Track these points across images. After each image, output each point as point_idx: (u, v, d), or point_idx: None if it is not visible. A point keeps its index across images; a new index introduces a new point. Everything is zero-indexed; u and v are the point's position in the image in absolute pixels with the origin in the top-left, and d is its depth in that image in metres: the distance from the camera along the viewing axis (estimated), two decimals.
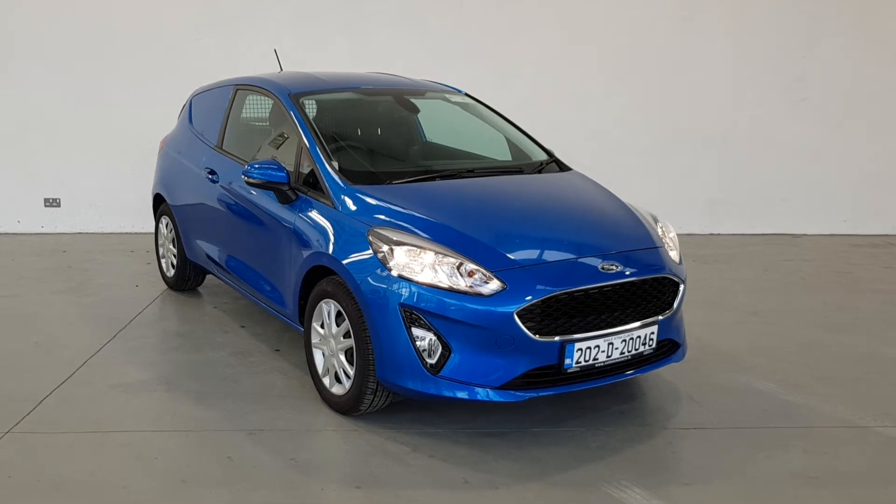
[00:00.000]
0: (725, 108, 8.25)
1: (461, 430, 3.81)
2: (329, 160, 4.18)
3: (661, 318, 3.84)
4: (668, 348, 3.99)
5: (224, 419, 3.89)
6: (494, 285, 3.48)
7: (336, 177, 4.09)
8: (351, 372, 3.80)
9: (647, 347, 3.81)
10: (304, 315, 4.13)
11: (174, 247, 5.83)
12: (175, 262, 5.83)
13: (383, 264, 3.60)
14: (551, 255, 3.70)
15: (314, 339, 4.08)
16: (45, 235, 7.87)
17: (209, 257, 5.23)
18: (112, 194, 7.92)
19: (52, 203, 7.91)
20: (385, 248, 3.63)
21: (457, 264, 3.54)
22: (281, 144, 4.78)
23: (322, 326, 4.01)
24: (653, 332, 3.80)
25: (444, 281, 3.51)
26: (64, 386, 4.24)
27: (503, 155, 4.98)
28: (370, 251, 3.67)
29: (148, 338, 5.05)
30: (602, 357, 3.64)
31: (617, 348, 3.67)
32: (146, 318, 5.38)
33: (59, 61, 7.65)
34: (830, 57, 8.16)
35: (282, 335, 5.05)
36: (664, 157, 8.30)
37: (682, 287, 3.96)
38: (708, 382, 4.41)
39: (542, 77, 8.01)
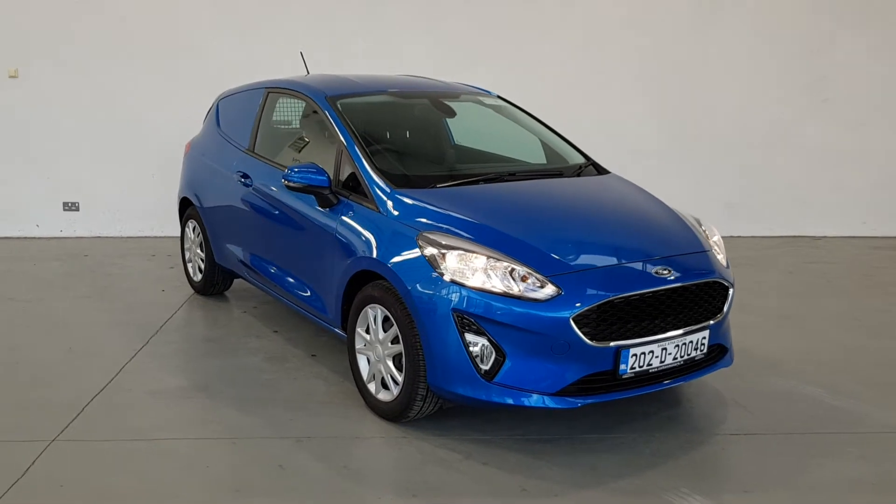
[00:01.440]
0: (746, 109, 8.23)
1: (510, 437, 3.76)
2: (372, 164, 4.14)
3: (711, 322, 3.80)
4: (717, 353, 3.95)
5: (269, 426, 3.84)
6: (549, 290, 3.44)
7: (380, 180, 4.04)
8: (399, 378, 3.75)
9: (698, 353, 3.77)
10: (348, 320, 4.08)
11: (202, 251, 5.77)
12: (203, 266, 5.78)
13: (435, 269, 3.55)
14: (604, 260, 3.66)
15: (358, 345, 4.04)
16: (65, 240, 7.82)
17: (241, 261, 5.18)
18: (131, 198, 7.86)
19: (70, 207, 7.85)
20: (436, 252, 3.58)
21: (509, 269, 3.50)
22: (318, 148, 4.74)
23: (367, 332, 3.96)
24: (704, 338, 3.76)
25: (497, 286, 3.46)
26: (104, 393, 4.18)
27: (538, 158, 4.94)
28: (420, 256, 3.62)
29: (180, 343, 4.99)
30: (656, 363, 3.60)
31: (670, 354, 3.63)
32: (176, 324, 5.33)
33: (77, 64, 7.60)
34: (851, 57, 8.14)
35: (316, 340, 5.00)
36: (684, 159, 8.28)
37: (731, 291, 3.92)
38: (752, 387, 4.37)
39: (561, 78, 7.97)
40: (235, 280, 5.84)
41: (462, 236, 3.65)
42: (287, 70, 6.65)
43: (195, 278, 5.96)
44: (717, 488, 3.34)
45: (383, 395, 3.89)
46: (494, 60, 7.84)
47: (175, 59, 7.66)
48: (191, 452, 3.57)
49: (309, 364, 4.63)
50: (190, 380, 4.38)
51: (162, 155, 7.74)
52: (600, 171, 4.72)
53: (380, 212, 3.95)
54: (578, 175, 4.60)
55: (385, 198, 3.97)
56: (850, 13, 8.10)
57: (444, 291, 3.51)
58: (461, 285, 3.49)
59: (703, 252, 3.93)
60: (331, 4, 7.73)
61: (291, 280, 4.63)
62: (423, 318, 3.55)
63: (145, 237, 7.88)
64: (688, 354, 3.71)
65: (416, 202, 3.91)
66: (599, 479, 3.40)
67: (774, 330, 5.39)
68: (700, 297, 3.75)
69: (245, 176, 5.02)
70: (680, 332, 3.65)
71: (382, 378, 3.89)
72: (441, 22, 7.84)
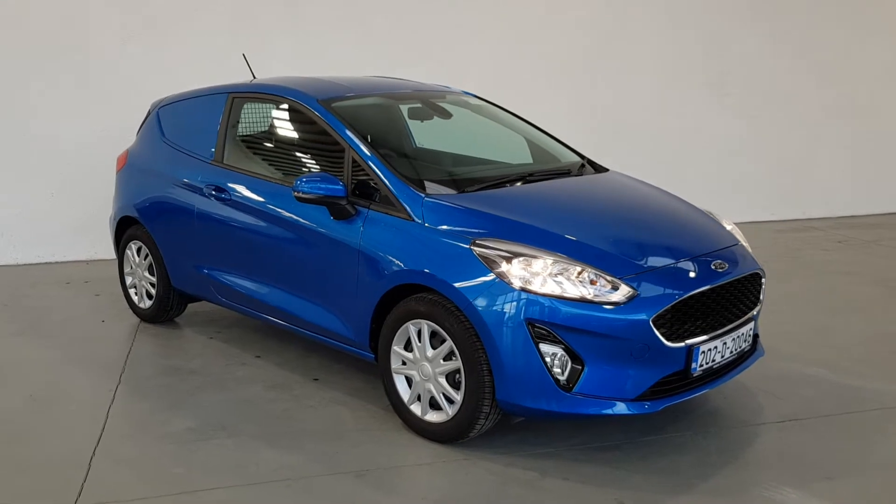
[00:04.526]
0: (659, 106, 8.50)
1: (573, 448, 3.62)
2: (395, 170, 3.86)
3: (754, 313, 3.84)
4: (754, 343, 3.99)
5: (315, 462, 3.50)
6: (625, 292, 3.33)
7: (410, 187, 3.78)
8: (456, 397, 3.51)
9: (746, 344, 3.80)
10: (380, 339, 3.79)
11: (151, 275, 5.22)
12: (154, 291, 5.22)
13: (499, 277, 3.35)
14: (663, 259, 3.59)
15: (394, 364, 3.76)
16: None
17: (213, 283, 4.71)
18: (27, 222, 7.00)
19: None
20: (498, 259, 3.38)
21: (577, 272, 3.36)
22: (313, 155, 4.40)
23: (406, 349, 3.70)
24: (750, 329, 3.80)
25: (570, 291, 3.31)
26: (104, 443, 3.66)
27: (524, 158, 4.82)
28: (480, 264, 3.41)
29: (159, 378, 4.48)
30: (718, 358, 3.59)
31: (728, 347, 3.64)
32: (141, 357, 4.78)
33: None
34: (747, 54, 8.60)
35: (307, 362, 4.63)
36: (599, 156, 8.39)
37: (763, 280, 3.97)
38: (765, 374, 4.42)
39: (484, 78, 7.87)
40: (188, 304, 5.33)
41: (518, 240, 3.47)
42: (209, 75, 6.16)
43: (141, 305, 5.38)
44: (799, 478, 3.35)
45: (434, 417, 3.64)
46: (419, 60, 7.63)
47: (74, 65, 6.89)
48: (246, 502, 3.18)
49: (316, 389, 4.28)
50: (197, 419, 3.92)
51: (61, 172, 6.97)
52: (597, 168, 4.66)
53: (413, 220, 3.69)
54: (581, 173, 4.52)
55: (418, 205, 3.71)
56: (745, 13, 8.55)
57: (513, 300, 3.32)
58: (531, 293, 3.31)
59: (738, 244, 3.97)
60: (246, 6, 7.23)
61: (293, 300, 4.24)
62: (492, 330, 3.33)
63: (49, 263, 7.05)
64: (740, 347, 3.73)
65: (455, 207, 3.69)
66: (686, 481, 3.34)
67: None
68: (746, 288, 3.77)
69: (219, 189, 4.57)
70: (736, 324, 3.66)
71: (431, 398, 3.64)
72: (364, 21, 7.54)
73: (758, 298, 3.90)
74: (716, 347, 3.54)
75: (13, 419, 3.95)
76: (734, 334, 3.64)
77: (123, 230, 5.42)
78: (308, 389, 4.27)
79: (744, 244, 4.07)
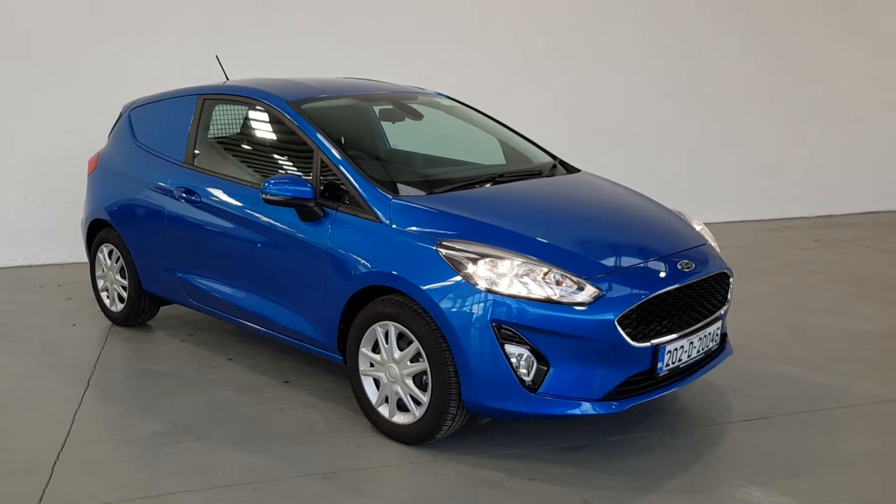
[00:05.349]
0: (635, 106, 8.52)
1: (541, 448, 3.63)
2: (363, 171, 3.86)
3: (721, 312, 3.85)
4: (722, 342, 4.00)
5: (284, 465, 3.48)
6: (590, 292, 3.34)
7: (378, 188, 3.77)
8: (423, 398, 3.51)
9: (714, 343, 3.81)
10: (348, 341, 3.78)
11: (122, 278, 5.18)
12: (125, 294, 5.19)
13: (465, 278, 3.35)
14: (629, 259, 3.60)
15: (363, 367, 3.75)
16: None
17: (184, 286, 4.69)
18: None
19: None
20: (464, 261, 3.38)
21: (543, 272, 3.36)
22: (281, 157, 4.39)
23: (374, 351, 3.69)
24: (717, 328, 3.82)
25: (536, 291, 3.31)
26: (68, 448, 3.63)
27: (496, 159, 4.83)
28: (446, 265, 3.40)
29: (129, 382, 4.46)
30: (685, 357, 3.60)
31: (695, 347, 3.65)
32: (112, 360, 4.75)
33: None
34: (722, 54, 8.65)
35: (279, 365, 4.61)
36: (574, 156, 8.40)
37: (731, 280, 3.99)
38: (734, 373, 4.44)
39: (462, 79, 7.86)
40: (161, 307, 5.31)
41: (485, 242, 3.47)
42: (185, 77, 6.13)
43: (113, 308, 5.34)
44: (765, 476, 3.37)
45: (401, 418, 3.63)
46: (396, 61, 7.62)
47: (46, 66, 6.84)
48: None
49: (287, 392, 4.27)
50: (165, 422, 3.89)
51: (32, 174, 6.91)
52: (569, 169, 4.67)
53: (381, 221, 3.68)
54: (553, 174, 4.52)
55: (386, 206, 3.71)
56: (721, 10, 8.59)
57: (478, 302, 3.32)
58: (497, 294, 3.31)
59: (706, 244, 3.99)
60: (219, 8, 7.20)
61: (263, 303, 4.23)
62: (458, 331, 3.33)
63: (21, 266, 7.00)
64: (707, 346, 3.75)
65: (422, 208, 3.69)
66: (654, 481, 3.35)
67: None
68: (713, 287, 3.79)
69: (189, 192, 4.54)
70: (703, 324, 3.67)
71: (399, 400, 3.63)
72: (339, 22, 7.52)
73: (725, 298, 3.92)
74: (682, 347, 3.56)
75: None
76: (701, 333, 3.66)
77: (95, 233, 5.38)
78: (279, 392, 4.26)
79: (712, 244, 4.09)
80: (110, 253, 5.26)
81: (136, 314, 5.23)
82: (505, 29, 8.02)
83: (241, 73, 5.83)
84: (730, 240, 8.02)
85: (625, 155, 8.51)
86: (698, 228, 4.23)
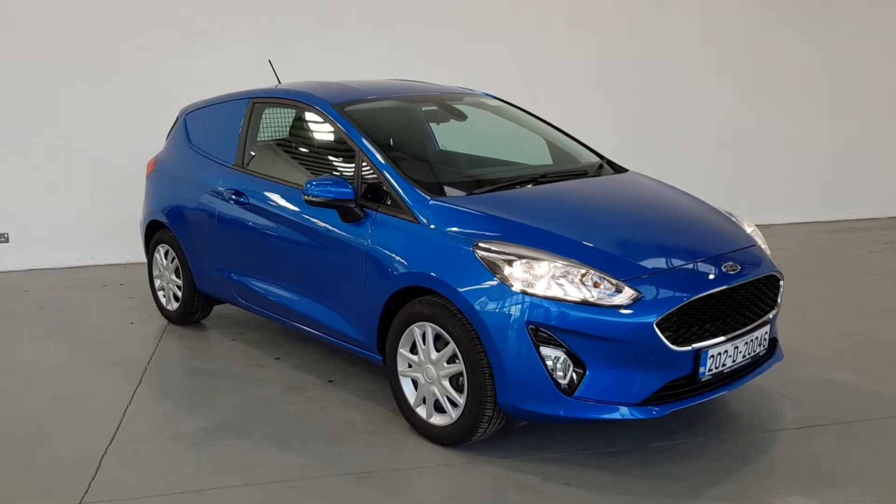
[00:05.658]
0: (694, 103, 8.34)
1: (579, 453, 3.57)
2: (403, 172, 3.87)
3: (770, 316, 3.74)
4: (772, 347, 3.88)
5: (321, 464, 3.51)
6: (628, 295, 3.27)
7: (417, 189, 3.78)
8: (460, 400, 3.50)
9: (762, 348, 3.70)
10: (387, 341, 3.80)
11: (177, 277, 5.32)
12: (180, 293, 5.32)
13: (501, 280, 3.33)
14: (672, 260, 3.52)
15: (401, 367, 3.76)
16: None
17: (232, 286, 4.78)
18: (67, 226, 7.19)
19: None
20: (500, 262, 3.36)
21: (581, 274, 3.31)
22: (326, 159, 4.43)
23: (412, 352, 3.69)
24: (766, 332, 3.70)
25: (572, 293, 3.27)
26: (117, 443, 3.74)
27: (544, 159, 4.78)
28: (482, 266, 3.38)
29: (180, 379, 4.57)
30: (729, 362, 3.50)
31: (741, 352, 3.54)
32: (165, 358, 4.87)
33: (2, 84, 6.91)
34: (787, 49, 8.39)
35: (325, 364, 4.66)
36: (638, 154, 8.27)
37: (782, 283, 3.86)
38: (788, 378, 4.32)
39: (515, 79, 7.82)
40: (214, 307, 5.42)
41: (522, 243, 3.44)
42: (238, 81, 6.24)
43: (169, 307, 5.49)
44: (812, 485, 3.26)
45: (438, 420, 3.63)
46: (448, 62, 7.63)
47: (109, 75, 7.06)
48: (249, 502, 3.21)
49: (330, 391, 4.31)
50: (211, 419, 3.97)
51: (97, 177, 7.14)
52: (617, 169, 4.59)
53: (419, 223, 3.68)
54: (599, 174, 4.45)
55: (424, 207, 3.71)
56: (784, 4, 8.34)
57: (514, 304, 3.29)
58: (533, 296, 3.28)
59: (754, 246, 3.87)
60: (273, 13, 7.32)
61: (307, 302, 4.28)
62: (493, 333, 3.31)
63: (87, 266, 7.24)
64: (754, 351, 3.64)
65: (460, 209, 3.67)
66: (694, 488, 3.26)
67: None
68: (761, 290, 3.68)
69: (238, 193, 4.63)
70: (749, 328, 3.57)
71: (436, 401, 3.63)
72: (393, 24, 7.57)
73: (775, 302, 3.79)
74: (726, 351, 3.46)
75: (34, 419, 4.05)
76: (747, 338, 3.55)
77: (152, 234, 5.53)
78: (322, 391, 4.30)
79: (762, 246, 3.96)
80: (166, 253, 5.40)
81: (190, 313, 5.35)
82: (560, 29, 7.94)
83: (296, 77, 5.93)
84: (795, 241, 7.82)
85: (683, 155, 8.34)
86: (749, 230, 4.11)
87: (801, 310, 5.57)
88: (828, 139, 8.67)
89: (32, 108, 6.98)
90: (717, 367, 3.44)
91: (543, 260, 3.34)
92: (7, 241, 7.15)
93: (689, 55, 8.26)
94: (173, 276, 5.37)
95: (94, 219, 7.21)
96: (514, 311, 3.28)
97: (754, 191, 8.58)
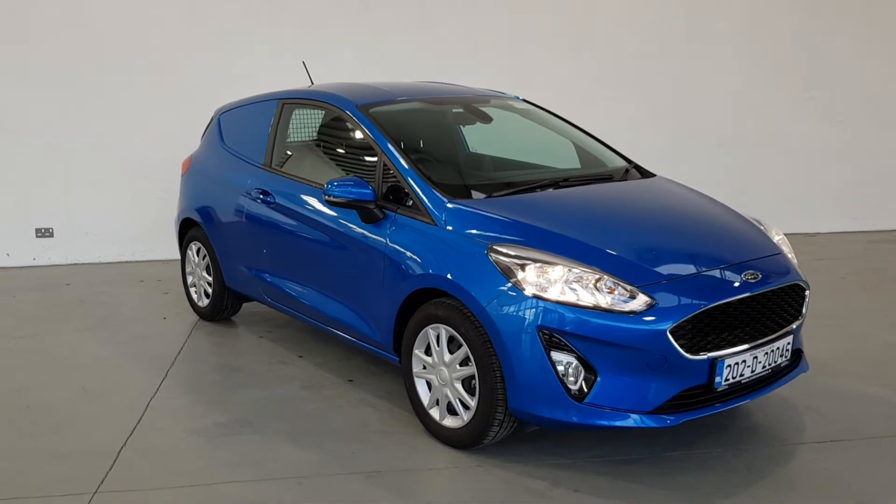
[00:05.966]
0: (735, 110, 8.18)
1: (591, 459, 3.53)
2: (423, 174, 3.87)
3: (794, 326, 3.64)
4: (796, 358, 3.79)
5: (333, 462, 3.53)
6: (642, 301, 3.22)
7: (435, 191, 3.77)
8: (471, 402, 3.49)
9: (783, 359, 3.60)
10: (403, 343, 3.80)
11: (208, 274, 5.40)
12: (210, 290, 5.41)
13: (514, 284, 3.30)
14: (689, 267, 3.45)
15: (416, 368, 3.76)
16: (39, 268, 7.30)
17: (259, 284, 4.84)
18: (109, 222, 7.38)
19: (44, 233, 7.34)
20: (513, 266, 3.33)
21: (595, 280, 3.27)
22: (350, 160, 4.46)
23: (427, 353, 3.69)
24: (788, 343, 3.60)
25: (585, 299, 3.23)
26: (137, 435, 3.82)
27: (571, 163, 4.73)
28: (495, 270, 3.37)
29: (203, 374, 4.64)
30: (747, 372, 3.42)
31: (760, 362, 3.46)
32: (191, 353, 4.95)
33: (46, 81, 7.11)
34: (834, 56, 8.18)
35: (347, 364, 4.69)
36: (677, 160, 8.16)
37: (807, 292, 3.76)
38: (816, 391, 4.20)
39: (552, 82, 7.78)
40: (244, 304, 5.49)
41: (537, 247, 3.41)
42: (272, 82, 6.32)
43: (200, 304, 5.58)
44: (832, 501, 3.16)
45: (450, 422, 3.62)
46: (486, 66, 7.62)
47: (150, 75, 7.22)
48: (257, 497, 3.25)
49: (349, 390, 4.33)
50: (229, 414, 4.03)
51: (139, 175, 7.31)
52: (644, 173, 4.53)
53: (437, 224, 3.68)
54: (625, 178, 4.40)
55: (443, 210, 3.70)
56: (831, 8, 8.14)
57: (526, 307, 3.26)
58: (545, 300, 3.25)
59: (779, 254, 3.78)
60: (312, 14, 7.40)
61: (327, 302, 4.31)
62: (504, 337, 3.29)
63: (127, 262, 7.42)
64: (775, 361, 3.55)
65: (478, 212, 3.66)
66: (707, 499, 3.20)
67: (811, 330, 5.23)
68: (784, 300, 3.59)
69: (265, 193, 4.69)
70: (769, 338, 3.48)
71: (448, 403, 3.62)
72: (430, 28, 7.59)
73: (799, 312, 3.70)
74: (744, 361, 3.38)
75: (60, 409, 4.15)
76: (767, 348, 3.46)
77: (186, 231, 5.64)
78: (341, 390, 4.33)
79: (788, 254, 3.86)
80: (198, 251, 5.50)
81: (220, 310, 5.43)
82: (602, 27, 7.87)
83: (333, 77, 5.99)
84: (838, 251, 7.62)
85: (724, 161, 8.21)
86: (776, 238, 4.01)
87: (840, 321, 5.43)
88: (874, 147, 8.42)
89: (79, 108, 7.18)
90: (734, 377, 3.36)
91: (557, 264, 3.31)
92: (52, 235, 7.35)
93: (734, 58, 8.11)
94: (204, 273, 5.46)
95: (135, 216, 7.37)
96: (527, 315, 3.26)
97: (797, 199, 8.38)
